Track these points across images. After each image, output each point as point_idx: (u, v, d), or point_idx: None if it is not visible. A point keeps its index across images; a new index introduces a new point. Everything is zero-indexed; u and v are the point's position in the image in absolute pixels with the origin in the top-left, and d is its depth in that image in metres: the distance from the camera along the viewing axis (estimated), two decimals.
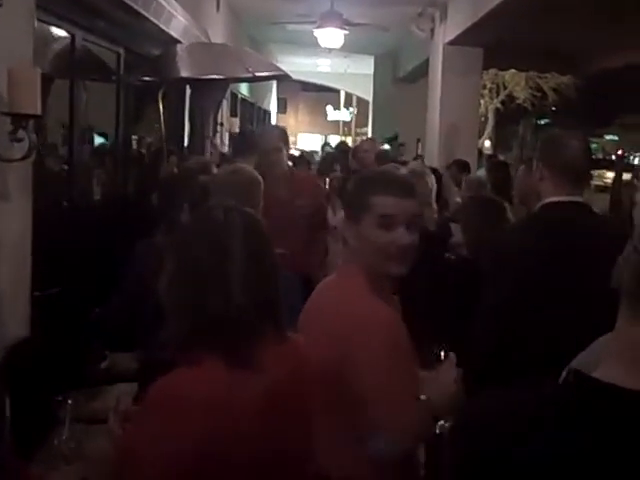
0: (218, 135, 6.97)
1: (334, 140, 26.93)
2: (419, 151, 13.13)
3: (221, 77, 5.80)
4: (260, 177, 3.37)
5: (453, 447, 1.13)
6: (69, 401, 2.23)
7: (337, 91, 29.30)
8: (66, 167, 5.09)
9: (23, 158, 3.22)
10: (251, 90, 14.91)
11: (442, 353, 2.28)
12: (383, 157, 6.35)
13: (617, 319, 1.05)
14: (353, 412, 2.11)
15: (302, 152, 12.65)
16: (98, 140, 6.48)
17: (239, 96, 13.12)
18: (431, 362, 2.25)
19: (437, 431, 2.17)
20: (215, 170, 4.59)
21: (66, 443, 2.19)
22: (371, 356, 2.06)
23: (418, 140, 13.99)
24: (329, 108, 33.97)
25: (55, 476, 2.12)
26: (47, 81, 4.44)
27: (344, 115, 31.63)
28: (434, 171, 6.40)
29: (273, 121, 22.34)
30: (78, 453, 2.18)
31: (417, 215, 2.26)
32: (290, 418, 1.81)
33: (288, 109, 36.67)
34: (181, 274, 1.78)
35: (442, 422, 2.17)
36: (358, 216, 2.21)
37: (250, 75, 5.94)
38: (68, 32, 4.74)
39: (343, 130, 31.56)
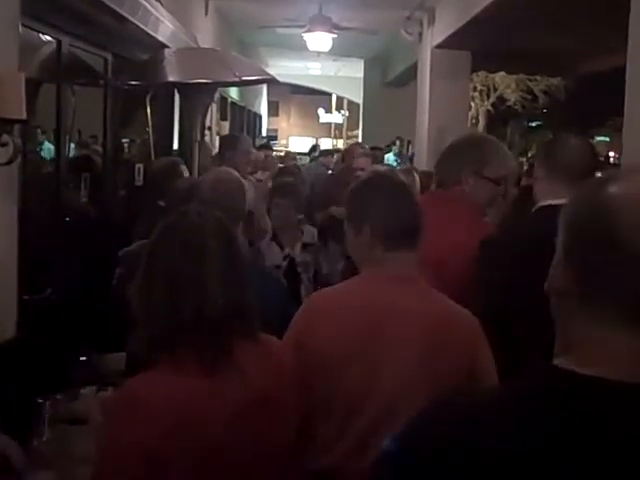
0: (207, 139, 6.98)
1: (325, 143, 26.88)
2: (409, 153, 13.18)
3: (208, 81, 5.82)
4: (245, 182, 3.40)
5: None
6: (48, 402, 2.24)
7: (329, 94, 29.32)
8: (54, 170, 5.10)
9: (8, 162, 3.24)
10: (241, 94, 14.92)
11: None
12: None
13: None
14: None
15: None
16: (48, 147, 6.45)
17: (229, 100, 13.14)
18: None
19: None
20: (184, 170, 4.64)
21: (46, 444, 2.21)
22: None
23: (409, 142, 14.04)
24: (321, 111, 33.98)
25: (35, 477, 2.14)
26: (34, 86, 4.46)
27: (336, 118, 31.63)
28: None
29: (264, 124, 22.37)
30: (59, 454, 2.20)
31: None
32: (266, 416, 1.83)
33: (280, 112, 36.72)
34: (158, 277, 1.80)
35: None
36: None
37: (237, 79, 5.96)
38: (54, 38, 4.76)
39: (334, 133, 31.59)
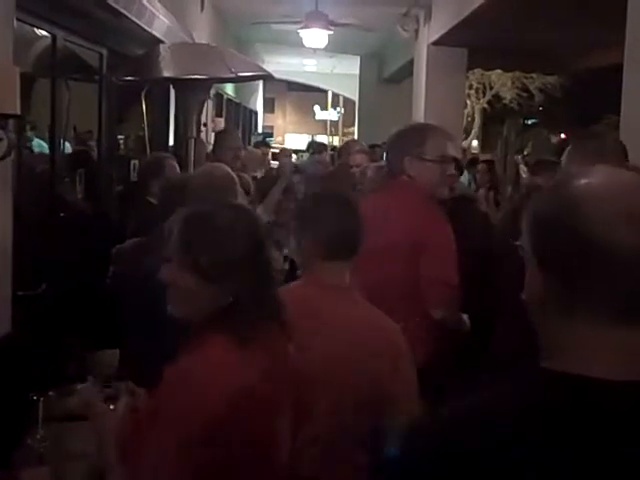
0: (202, 135, 6.95)
1: (321, 141, 26.84)
2: None
3: (204, 77, 5.80)
4: (234, 175, 3.43)
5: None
6: (41, 399, 2.23)
7: (325, 91, 29.28)
8: (49, 166, 5.08)
9: (2, 158, 3.22)
10: (237, 90, 14.90)
11: None
12: None
13: None
14: None
15: None
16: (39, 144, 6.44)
17: (225, 96, 13.11)
18: None
19: None
20: (174, 165, 4.62)
21: (40, 442, 2.20)
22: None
23: None
24: (317, 108, 33.95)
25: (29, 475, 2.12)
26: (28, 81, 4.43)
27: (332, 115, 31.60)
28: None
29: (260, 121, 22.35)
30: (53, 451, 2.18)
31: None
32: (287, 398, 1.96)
33: (276, 109, 36.69)
34: (199, 265, 1.85)
35: None
36: None
37: (233, 75, 5.94)
38: (49, 32, 4.74)
39: (330, 130, 31.57)
